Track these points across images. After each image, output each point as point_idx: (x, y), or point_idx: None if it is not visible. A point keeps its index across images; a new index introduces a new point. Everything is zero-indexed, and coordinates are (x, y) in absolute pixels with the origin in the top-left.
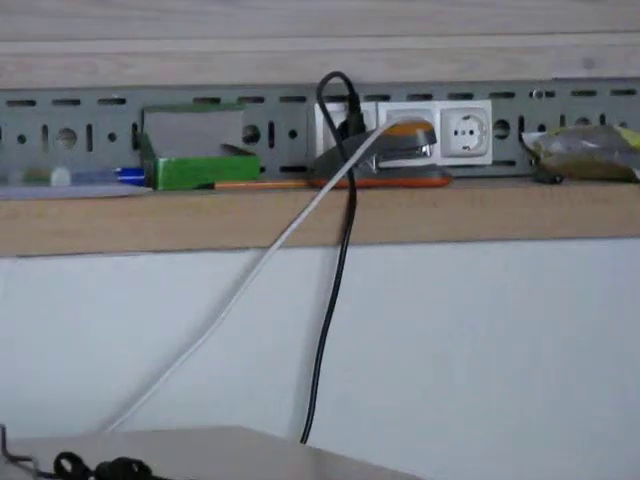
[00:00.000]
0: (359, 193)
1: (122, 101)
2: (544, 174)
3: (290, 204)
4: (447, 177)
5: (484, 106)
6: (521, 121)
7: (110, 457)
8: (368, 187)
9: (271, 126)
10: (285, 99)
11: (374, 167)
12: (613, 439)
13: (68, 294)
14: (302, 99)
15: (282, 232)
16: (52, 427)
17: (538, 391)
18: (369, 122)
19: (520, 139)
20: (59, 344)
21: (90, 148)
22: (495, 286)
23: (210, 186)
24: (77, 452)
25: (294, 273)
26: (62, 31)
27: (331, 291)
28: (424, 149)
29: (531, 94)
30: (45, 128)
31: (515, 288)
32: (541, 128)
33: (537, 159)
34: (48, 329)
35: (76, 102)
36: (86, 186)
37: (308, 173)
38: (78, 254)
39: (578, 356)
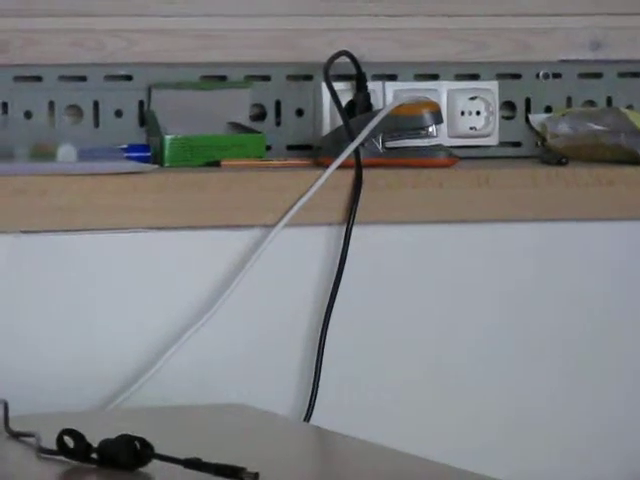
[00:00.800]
0: (365, 172)
1: (129, 78)
2: (550, 155)
3: (296, 182)
4: (453, 157)
5: (491, 87)
6: (527, 102)
7: (113, 434)
8: (374, 166)
9: (278, 104)
10: (292, 77)
11: (380, 147)
12: (617, 430)
13: (72, 270)
14: (309, 78)
15: (288, 210)
16: (54, 403)
17: (541, 370)
18: (376, 101)
19: (526, 120)
20: (62, 320)
21: (96, 124)
22: (500, 267)
23: (216, 164)
24: (80, 428)
25: (299, 252)
26: (69, 7)
27: (336, 270)
28: (430, 129)
29: (538, 75)
30: (51, 104)
31: (520, 269)
32: (547, 109)
33: (543, 140)
34: (51, 305)
35: (83, 78)
36: (92, 162)
37: (314, 152)
38: (83, 230)
39: (582, 339)
